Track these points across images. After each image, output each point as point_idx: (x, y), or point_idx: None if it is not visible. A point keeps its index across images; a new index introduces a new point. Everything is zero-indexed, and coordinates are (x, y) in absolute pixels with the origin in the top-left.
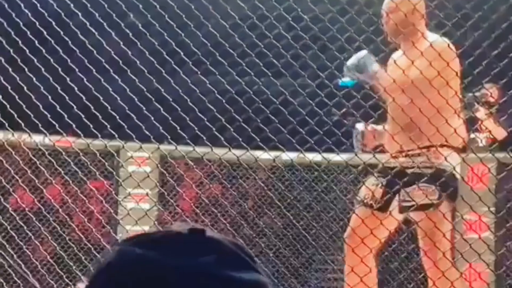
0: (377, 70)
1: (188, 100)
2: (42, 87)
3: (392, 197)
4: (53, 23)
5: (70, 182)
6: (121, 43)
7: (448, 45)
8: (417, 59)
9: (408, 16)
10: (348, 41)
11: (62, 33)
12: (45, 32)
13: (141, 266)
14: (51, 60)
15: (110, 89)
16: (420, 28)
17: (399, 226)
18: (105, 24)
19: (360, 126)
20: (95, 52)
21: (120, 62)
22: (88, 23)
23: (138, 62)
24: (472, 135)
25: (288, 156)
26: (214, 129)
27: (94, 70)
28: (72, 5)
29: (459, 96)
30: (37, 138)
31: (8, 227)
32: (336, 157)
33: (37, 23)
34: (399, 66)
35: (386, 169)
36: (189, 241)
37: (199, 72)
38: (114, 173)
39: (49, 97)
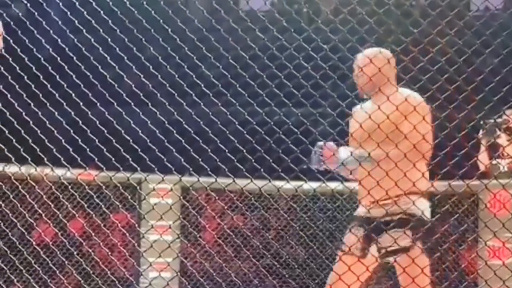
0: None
1: (209, 131)
2: (63, 121)
3: (370, 245)
4: (74, 57)
5: (93, 215)
6: (141, 75)
7: (420, 102)
8: (391, 112)
9: (382, 70)
10: None
11: (82, 67)
12: (65, 67)
13: None
14: (72, 94)
15: (131, 121)
16: (393, 82)
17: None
18: (125, 57)
19: (319, 143)
20: (115, 85)
21: (141, 94)
22: (108, 57)
23: (158, 94)
24: (494, 162)
25: (310, 185)
26: (235, 160)
27: (115, 103)
28: (92, 39)
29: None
30: (60, 172)
31: (32, 261)
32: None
33: (58, 58)
34: (374, 119)
35: (364, 219)
36: None
37: (219, 104)
38: (137, 205)
39: (71, 131)
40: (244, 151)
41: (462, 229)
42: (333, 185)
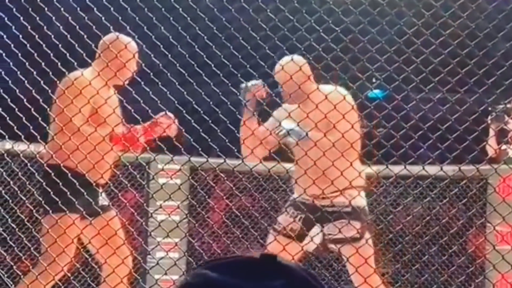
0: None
1: (219, 111)
2: None
3: (309, 230)
4: (84, 35)
5: (101, 193)
6: (152, 54)
7: (345, 96)
8: (314, 111)
9: (294, 77)
10: (379, 52)
11: (93, 45)
12: (76, 45)
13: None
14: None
15: (141, 101)
16: (309, 85)
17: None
18: (136, 36)
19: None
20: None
21: (151, 73)
22: (118, 35)
23: (168, 73)
24: (504, 147)
25: (319, 168)
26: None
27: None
28: (103, 17)
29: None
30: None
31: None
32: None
33: (68, 36)
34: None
35: (302, 203)
36: (260, 266)
37: (229, 84)
38: (145, 185)
39: None
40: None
41: (470, 214)
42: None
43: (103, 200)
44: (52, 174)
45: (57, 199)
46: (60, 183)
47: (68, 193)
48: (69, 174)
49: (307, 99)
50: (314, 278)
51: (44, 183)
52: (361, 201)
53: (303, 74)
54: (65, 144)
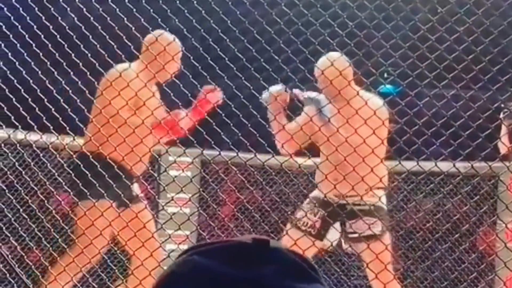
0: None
1: (232, 105)
2: (87, 91)
3: (329, 228)
4: (99, 27)
5: (113, 185)
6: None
7: (384, 104)
8: (353, 117)
9: (342, 74)
10: (393, 48)
11: (107, 37)
12: (90, 36)
13: (202, 275)
14: (96, 64)
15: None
16: (350, 90)
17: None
18: (149, 28)
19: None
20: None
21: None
22: (132, 27)
23: (182, 66)
24: None
25: (332, 163)
26: (257, 135)
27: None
28: (117, 9)
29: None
30: (81, 141)
31: (51, 229)
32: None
33: (82, 27)
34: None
35: (322, 201)
36: (252, 251)
37: (242, 78)
38: (157, 177)
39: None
40: (267, 126)
41: (481, 211)
42: None
43: (135, 190)
44: (88, 161)
45: (92, 186)
46: (96, 170)
47: (103, 180)
48: (105, 162)
49: (346, 103)
50: (308, 264)
51: (79, 170)
52: (383, 200)
53: (344, 78)
54: (105, 132)
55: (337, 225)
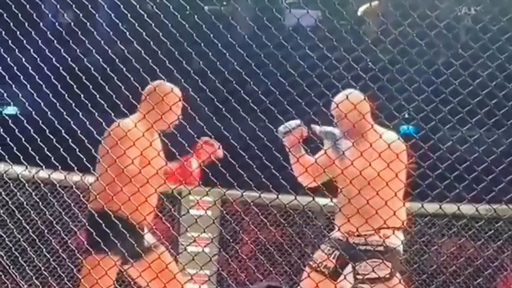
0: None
1: (255, 147)
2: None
3: (343, 268)
4: (123, 68)
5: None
6: (190, 89)
7: (399, 138)
8: (372, 154)
9: (357, 107)
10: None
11: (132, 78)
12: (115, 77)
13: None
14: (120, 104)
15: (177, 134)
16: (365, 124)
17: None
18: (174, 70)
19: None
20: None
21: (188, 107)
22: (157, 69)
23: (205, 108)
24: None
25: (354, 206)
26: (280, 177)
27: (162, 116)
28: (142, 51)
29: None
30: (90, 179)
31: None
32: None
33: (107, 69)
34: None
35: (339, 242)
36: None
37: (266, 120)
38: (179, 217)
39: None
40: (290, 168)
41: (505, 255)
42: None
43: (149, 240)
44: (96, 216)
45: (100, 241)
46: (104, 225)
47: (111, 235)
48: (112, 217)
49: (361, 137)
50: None
51: (88, 224)
52: (395, 241)
53: (359, 112)
54: (110, 186)
55: (349, 266)
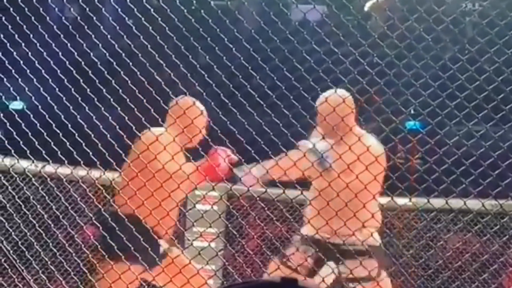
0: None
1: (262, 142)
2: (117, 125)
3: (319, 267)
4: (130, 62)
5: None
6: (196, 83)
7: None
8: (350, 157)
9: (337, 111)
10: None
11: (138, 73)
12: (121, 72)
13: None
14: (127, 98)
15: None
16: (349, 123)
17: None
18: (180, 64)
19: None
20: (169, 91)
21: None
22: (163, 63)
23: (212, 103)
24: None
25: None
26: (285, 172)
27: (168, 110)
28: (148, 45)
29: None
30: (96, 174)
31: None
32: (409, 203)
33: (114, 63)
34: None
35: (312, 240)
36: None
37: (272, 115)
38: (185, 212)
39: (124, 135)
40: (295, 163)
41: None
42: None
43: (163, 246)
44: (125, 220)
45: (119, 247)
46: (124, 232)
47: (130, 243)
48: (135, 226)
49: (340, 141)
50: None
51: (107, 229)
52: (375, 240)
53: (340, 113)
54: (134, 195)
55: (331, 263)
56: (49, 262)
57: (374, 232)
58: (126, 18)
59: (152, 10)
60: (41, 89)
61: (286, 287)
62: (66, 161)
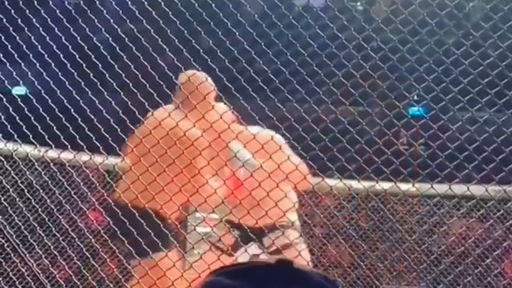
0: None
1: (264, 126)
2: (120, 110)
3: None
4: (133, 47)
5: (144, 204)
6: (199, 68)
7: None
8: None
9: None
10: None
11: (141, 57)
12: (124, 56)
13: None
14: (129, 83)
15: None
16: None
17: None
18: (183, 49)
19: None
20: (172, 76)
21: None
22: (166, 48)
23: (215, 88)
24: None
25: (363, 185)
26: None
27: (171, 95)
28: (151, 29)
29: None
30: (99, 159)
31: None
32: (412, 188)
33: (116, 47)
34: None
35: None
36: (276, 272)
37: (276, 99)
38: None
39: (127, 120)
40: (299, 148)
41: None
42: (386, 185)
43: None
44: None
45: (155, 240)
46: (149, 225)
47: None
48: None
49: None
50: (331, 283)
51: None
52: (291, 218)
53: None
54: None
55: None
56: (52, 247)
57: (286, 214)
58: (129, 3)
59: None
60: (44, 74)
61: (281, 269)
62: (69, 146)
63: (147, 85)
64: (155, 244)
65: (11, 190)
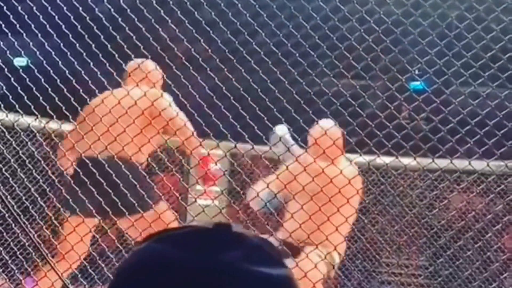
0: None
1: (267, 99)
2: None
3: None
4: (135, 18)
5: (146, 176)
6: (201, 40)
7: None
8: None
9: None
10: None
11: (143, 28)
12: (126, 27)
13: (163, 264)
14: (132, 55)
15: (189, 85)
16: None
17: None
18: (185, 21)
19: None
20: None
21: (199, 59)
22: (169, 20)
23: (217, 59)
24: None
25: (365, 159)
26: (291, 129)
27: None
28: (153, 0)
29: None
30: None
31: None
32: (413, 162)
33: (119, 18)
34: None
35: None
36: (214, 237)
37: (278, 72)
38: (190, 169)
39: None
40: (301, 121)
41: None
42: (387, 160)
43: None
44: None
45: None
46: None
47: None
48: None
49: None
50: (270, 247)
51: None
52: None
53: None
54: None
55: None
56: (52, 218)
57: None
58: None
59: None
60: (46, 44)
61: (219, 233)
62: (70, 117)
63: (149, 57)
64: (142, 197)
65: (12, 161)
